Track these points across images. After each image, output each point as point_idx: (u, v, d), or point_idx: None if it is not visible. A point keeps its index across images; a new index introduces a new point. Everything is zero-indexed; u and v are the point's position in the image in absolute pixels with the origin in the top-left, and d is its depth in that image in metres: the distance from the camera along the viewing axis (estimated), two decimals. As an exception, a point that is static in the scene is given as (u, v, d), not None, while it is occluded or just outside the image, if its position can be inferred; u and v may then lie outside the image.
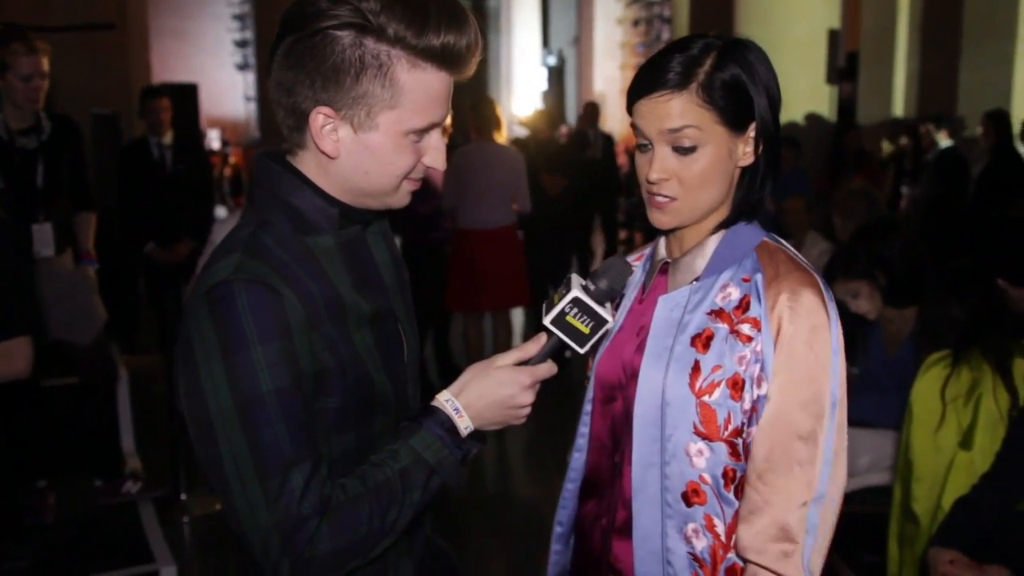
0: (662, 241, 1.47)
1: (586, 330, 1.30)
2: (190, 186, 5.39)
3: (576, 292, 1.29)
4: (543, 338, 1.33)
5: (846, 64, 10.67)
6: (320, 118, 1.19)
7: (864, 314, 3.17)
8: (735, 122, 1.32)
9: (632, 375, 1.40)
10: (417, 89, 1.18)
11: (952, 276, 2.81)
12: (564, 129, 14.34)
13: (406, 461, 1.23)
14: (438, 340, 6.00)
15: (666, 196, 1.35)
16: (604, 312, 1.30)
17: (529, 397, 1.31)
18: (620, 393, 1.43)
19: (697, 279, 1.38)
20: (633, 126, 1.37)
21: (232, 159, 15.25)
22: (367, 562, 1.22)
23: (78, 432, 3.98)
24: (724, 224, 1.38)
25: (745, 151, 1.35)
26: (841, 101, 10.41)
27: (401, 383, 1.34)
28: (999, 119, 6.81)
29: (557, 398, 5.92)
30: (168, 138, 5.38)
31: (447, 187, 5.37)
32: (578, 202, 6.76)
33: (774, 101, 1.35)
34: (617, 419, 1.44)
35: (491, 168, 5.32)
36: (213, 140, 16.14)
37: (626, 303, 1.49)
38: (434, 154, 1.26)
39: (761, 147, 1.35)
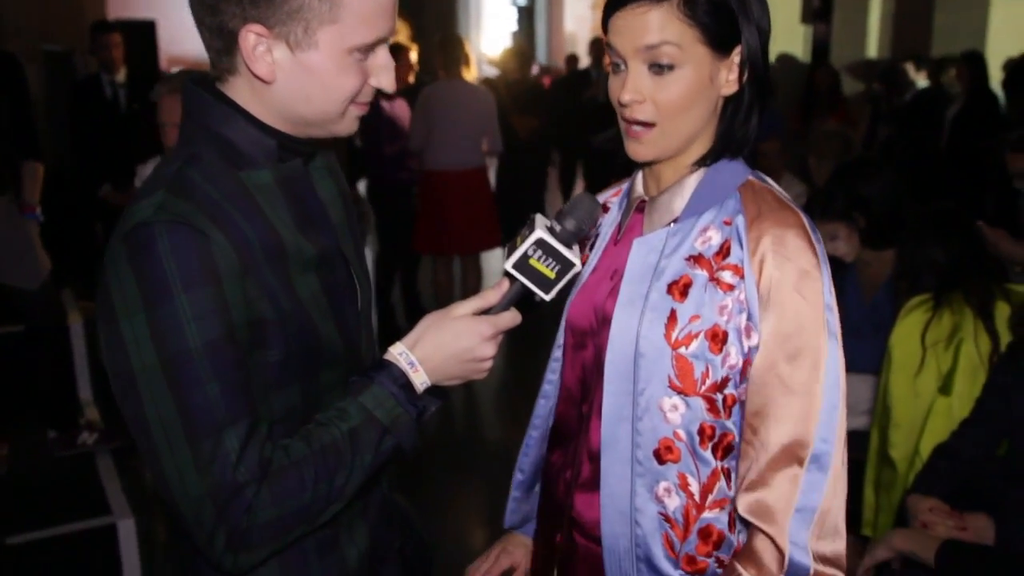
0: (639, 177, 1.36)
1: (552, 274, 1.19)
2: (146, 126, 5.18)
3: (540, 233, 1.18)
4: (505, 284, 1.22)
5: (820, 4, 10.49)
6: (251, 37, 1.06)
7: (842, 257, 3.10)
8: (719, 43, 1.20)
9: (604, 322, 1.29)
10: (359, 0, 1.06)
11: (933, 218, 2.75)
12: (537, 69, 14.07)
13: (356, 421, 1.12)
14: (406, 283, 5.89)
15: (642, 123, 1.23)
16: (571, 255, 1.19)
17: (490, 349, 1.20)
18: (591, 340, 1.33)
19: (675, 221, 1.27)
20: (607, 45, 1.24)
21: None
22: (314, 528, 1.13)
23: (29, 381, 3.83)
24: (705, 160, 1.27)
25: (729, 78, 1.23)
26: (815, 41, 10.25)
27: (352, 333, 1.23)
28: (973, 61, 6.72)
29: (532, 341, 5.86)
30: (122, 76, 5.16)
31: (414, 127, 5.22)
32: (567, 144, 6.57)
33: (764, 30, 1.24)
34: (587, 367, 1.34)
35: (459, 107, 5.17)
36: (174, 80, 15.69)
37: (600, 243, 1.39)
38: (382, 74, 1.14)
39: (747, 75, 1.23)
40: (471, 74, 5.37)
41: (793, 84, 8.48)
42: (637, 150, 1.26)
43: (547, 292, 1.21)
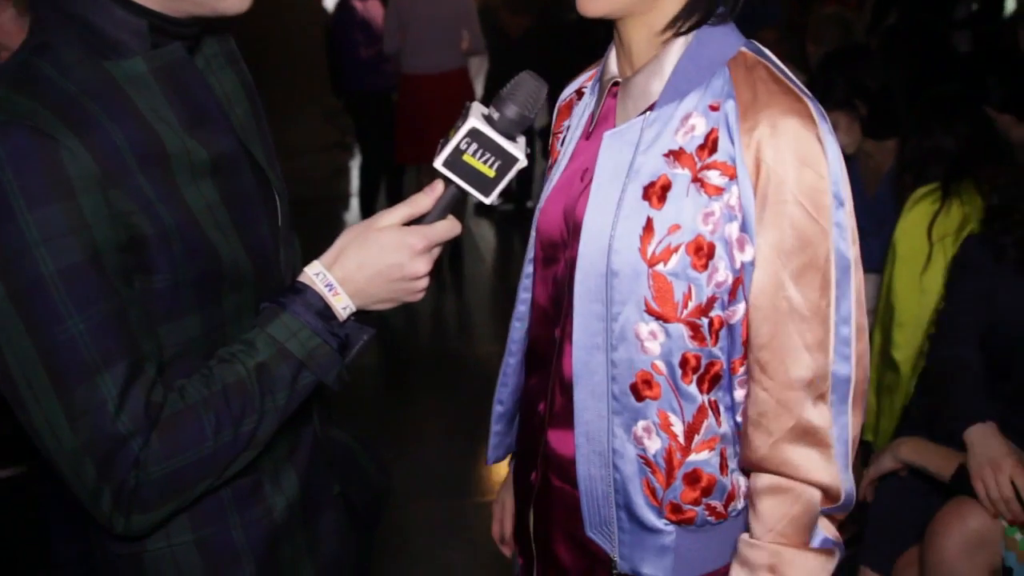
0: (612, 55, 1.15)
1: (491, 173, 1.01)
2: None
3: (474, 122, 0.99)
4: (438, 187, 1.04)
5: None
6: None
7: (842, 148, 2.91)
8: None
9: (575, 232, 1.11)
10: None
11: (938, 103, 2.57)
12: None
13: (264, 355, 0.96)
14: (391, 195, 5.70)
15: None
16: (512, 147, 1.01)
17: (423, 265, 1.03)
18: (562, 253, 1.16)
19: (652, 107, 1.07)
20: None
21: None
22: (224, 481, 0.98)
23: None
24: (677, 24, 1.05)
25: None
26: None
27: (265, 250, 1.05)
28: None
29: (517, 244, 5.68)
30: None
31: (388, 28, 4.99)
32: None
33: None
34: (559, 284, 1.16)
35: (434, 6, 4.89)
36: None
37: (572, 136, 1.20)
38: None
39: None
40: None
41: None
42: (584, 3, 1.05)
43: (487, 194, 1.03)
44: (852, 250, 1.03)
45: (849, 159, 2.94)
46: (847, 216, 1.02)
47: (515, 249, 5.83)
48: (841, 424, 1.04)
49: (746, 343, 1.06)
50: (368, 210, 5.60)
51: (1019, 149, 2.83)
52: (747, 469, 1.10)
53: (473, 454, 3.35)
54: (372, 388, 3.88)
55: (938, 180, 2.33)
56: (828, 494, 1.05)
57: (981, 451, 1.84)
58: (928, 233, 2.27)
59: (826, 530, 1.08)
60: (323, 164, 7.22)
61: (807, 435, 1.04)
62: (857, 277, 1.04)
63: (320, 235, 1.16)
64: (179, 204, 0.94)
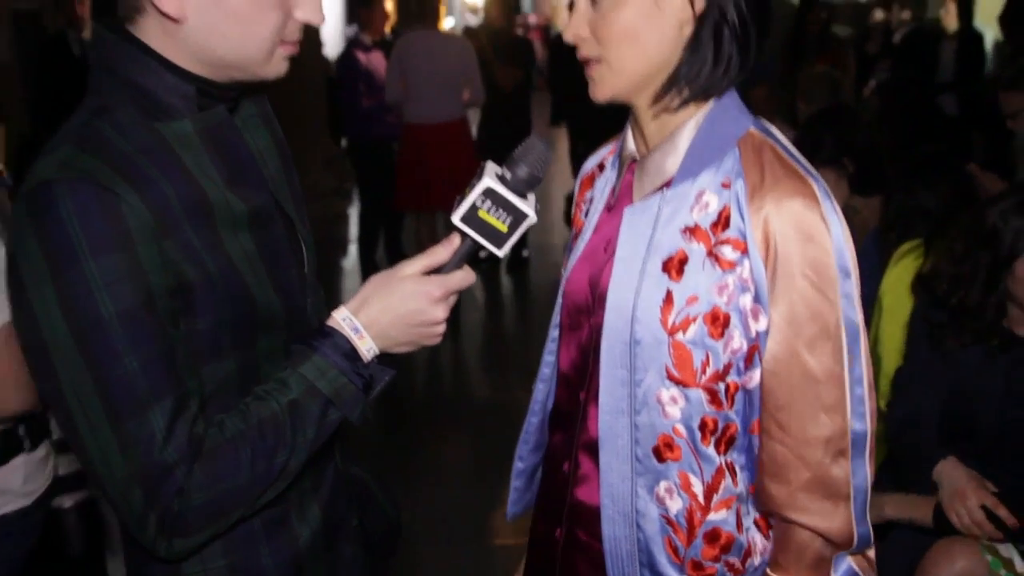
0: (628, 133, 1.24)
1: (503, 227, 1.09)
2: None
3: (489, 182, 1.08)
4: (455, 240, 1.12)
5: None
6: None
7: (830, 204, 3.02)
8: None
9: (600, 300, 1.19)
10: None
11: (921, 163, 2.68)
12: (523, 23, 13.73)
13: (296, 392, 1.03)
14: (390, 241, 5.80)
15: (590, 57, 1.13)
16: (524, 205, 1.09)
17: (442, 312, 1.11)
18: (587, 320, 1.23)
19: (668, 184, 1.15)
20: None
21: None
22: (256, 510, 1.05)
23: None
24: (661, 99, 1.13)
25: (683, 3, 1.09)
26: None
27: (295, 296, 1.13)
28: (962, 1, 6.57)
29: (516, 302, 5.76)
30: (89, 32, 4.99)
31: (390, 78, 5.10)
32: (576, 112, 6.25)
33: None
34: (583, 349, 1.24)
35: (436, 58, 5.03)
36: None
37: (596, 208, 1.27)
38: (307, 7, 1.04)
39: (701, 6, 1.09)
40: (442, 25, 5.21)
41: (782, 24, 8.31)
42: (593, 90, 1.15)
43: (499, 247, 1.11)
44: (859, 317, 1.10)
45: (837, 214, 3.05)
46: (854, 286, 1.09)
47: (509, 296, 5.92)
48: (860, 476, 1.12)
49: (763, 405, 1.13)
50: (367, 256, 5.67)
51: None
52: (768, 516, 1.17)
53: (477, 498, 3.38)
54: (373, 431, 3.93)
55: (921, 237, 2.43)
56: (841, 541, 1.13)
57: (948, 485, 1.96)
58: (912, 287, 2.36)
59: (853, 562, 1.16)
60: (322, 210, 7.32)
61: (824, 487, 1.11)
62: (864, 341, 1.11)
63: (320, 280, 1.24)
64: (221, 253, 1.02)
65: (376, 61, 5.33)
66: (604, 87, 1.14)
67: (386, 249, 5.82)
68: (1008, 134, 3.70)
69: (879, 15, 7.72)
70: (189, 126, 1.03)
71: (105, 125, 0.98)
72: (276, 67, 1.05)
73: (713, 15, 1.09)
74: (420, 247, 5.47)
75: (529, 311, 5.65)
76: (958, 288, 2.01)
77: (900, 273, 2.40)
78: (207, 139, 1.04)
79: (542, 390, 1.36)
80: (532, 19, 20.02)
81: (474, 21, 11.10)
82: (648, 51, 1.11)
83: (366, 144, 5.48)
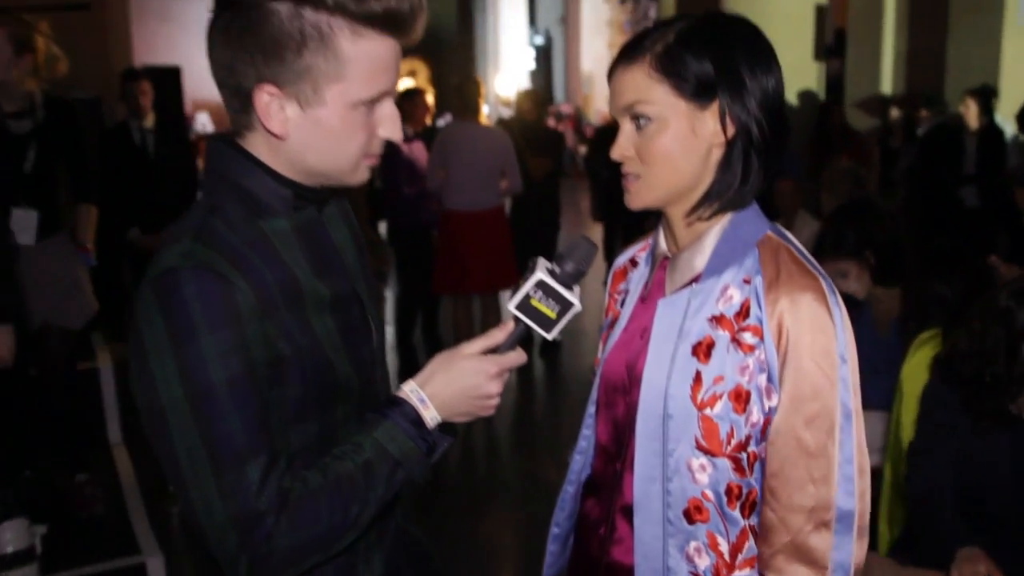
0: (660, 234, 1.40)
1: (552, 315, 1.25)
2: (173, 171, 5.32)
3: (541, 275, 1.25)
4: (510, 325, 1.28)
5: (834, 41, 10.61)
6: (265, 96, 1.14)
7: (853, 294, 3.15)
8: (696, 95, 1.23)
9: (635, 380, 1.34)
10: (362, 58, 1.14)
11: (937, 255, 2.81)
12: (553, 118, 14.14)
13: (369, 454, 1.19)
14: (427, 324, 5.97)
15: (631, 174, 1.30)
16: (570, 295, 1.25)
17: (496, 386, 1.26)
18: (623, 398, 1.38)
19: (696, 279, 1.31)
20: (609, 106, 1.32)
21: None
22: (331, 557, 1.19)
23: (59, 423, 3.91)
24: (697, 212, 1.29)
25: (716, 128, 1.25)
26: (829, 78, 10.35)
27: (366, 370, 1.30)
28: (983, 96, 6.76)
29: (550, 383, 5.88)
30: (150, 122, 5.29)
31: (432, 168, 5.33)
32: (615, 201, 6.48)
33: (754, 83, 1.23)
34: (619, 423, 1.39)
35: (476, 148, 5.28)
36: (205, 124, 15.93)
37: (631, 300, 1.43)
38: (388, 125, 1.21)
39: (735, 124, 1.24)
40: (484, 118, 5.47)
41: (808, 120, 8.56)
42: (629, 200, 1.32)
43: (548, 331, 1.27)
44: (853, 400, 1.24)
45: (860, 303, 3.18)
46: (850, 372, 1.24)
47: (541, 378, 6.04)
48: (844, 552, 1.23)
49: None
50: (404, 337, 5.84)
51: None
52: None
53: (511, 570, 3.46)
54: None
55: (939, 326, 2.56)
56: None
57: (960, 555, 2.04)
58: (928, 366, 2.47)
59: None
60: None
61: (801, 553, 1.23)
62: (858, 424, 1.25)
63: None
64: (309, 332, 1.19)
65: (417, 151, 5.59)
66: (639, 199, 1.31)
67: (423, 331, 5.99)
68: (1026, 228, 3.83)
69: (896, 112, 7.93)
70: (286, 223, 1.21)
71: (218, 221, 1.17)
72: (360, 175, 1.24)
73: (742, 139, 1.25)
74: (456, 329, 5.64)
75: (561, 393, 5.77)
76: (974, 365, 2.13)
77: (920, 361, 2.51)
78: (300, 234, 1.22)
79: (579, 461, 1.50)
80: (565, 108, 20.59)
81: (507, 113, 11.47)
82: (681, 171, 1.27)
83: (406, 230, 5.70)
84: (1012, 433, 2.13)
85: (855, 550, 1.23)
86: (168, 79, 9.63)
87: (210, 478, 1.10)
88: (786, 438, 1.23)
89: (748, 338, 1.24)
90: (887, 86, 10.28)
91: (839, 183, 4.54)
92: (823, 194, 4.66)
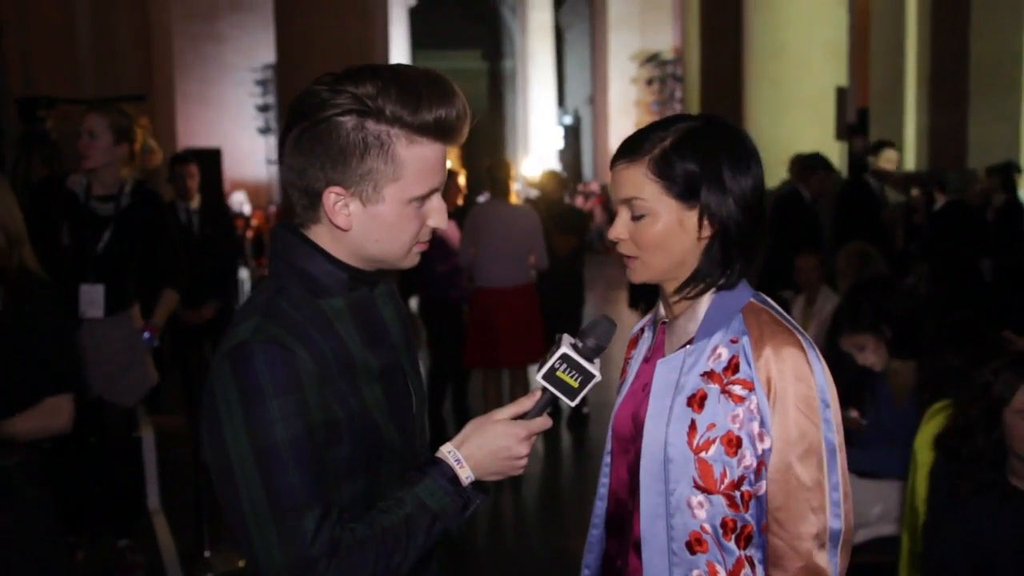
0: (660, 304, 1.58)
1: (575, 384, 1.39)
2: (217, 249, 5.55)
3: (565, 349, 1.39)
4: (537, 394, 1.42)
5: (856, 120, 10.82)
6: (332, 196, 1.31)
7: (870, 367, 3.25)
8: (684, 196, 1.42)
9: (640, 430, 1.49)
10: (416, 161, 1.30)
11: (951, 328, 2.91)
12: (584, 187, 14.40)
13: (411, 508, 1.32)
14: (457, 397, 6.08)
15: (627, 254, 1.48)
16: (591, 367, 1.40)
17: (525, 448, 1.39)
18: (631, 446, 1.53)
19: (690, 341, 1.48)
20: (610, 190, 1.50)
21: (254, 221, 15.51)
22: None
23: (103, 491, 4.05)
24: (686, 291, 1.47)
25: (703, 224, 1.43)
26: (852, 156, 10.54)
27: (408, 433, 1.44)
28: (1003, 172, 6.89)
29: (575, 453, 5.95)
30: (196, 203, 5.55)
31: (463, 246, 5.51)
32: None
33: (735, 189, 1.41)
34: (631, 469, 1.53)
35: (507, 227, 5.46)
36: (243, 204, 16.37)
37: (637, 360, 1.60)
38: (436, 216, 1.37)
39: (716, 224, 1.42)
40: (515, 197, 5.66)
41: (831, 199, 8.70)
42: (629, 274, 1.51)
43: (572, 399, 1.41)
44: (837, 438, 1.41)
45: (880, 375, 3.27)
46: (833, 414, 1.41)
47: (568, 449, 6.11)
48: (833, 564, 1.41)
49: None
50: (435, 410, 5.94)
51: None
52: None
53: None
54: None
55: (951, 396, 2.64)
56: None
57: None
58: (932, 444, 2.56)
59: None
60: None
61: (812, 574, 1.39)
62: (841, 457, 1.42)
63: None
64: (360, 399, 1.34)
65: (450, 230, 5.77)
66: (638, 275, 1.50)
67: (452, 403, 6.10)
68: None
69: (916, 191, 8.06)
70: (341, 303, 1.37)
71: (283, 301, 1.33)
72: (411, 260, 1.40)
73: (722, 234, 1.44)
74: (486, 402, 5.74)
75: (587, 464, 5.83)
76: (962, 440, 2.24)
77: (932, 430, 2.59)
78: (353, 312, 1.38)
79: (600, 506, 1.64)
80: (594, 187, 20.93)
81: (533, 194, 11.76)
82: (671, 256, 1.45)
83: (438, 305, 5.86)
84: (1014, 508, 2.21)
85: (840, 562, 1.41)
86: (209, 160, 10.02)
87: (271, 526, 1.23)
88: (785, 475, 1.39)
89: (738, 390, 1.41)
90: (910, 163, 10.44)
91: (847, 263, 4.70)
92: (837, 275, 4.80)
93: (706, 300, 1.49)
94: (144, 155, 3.83)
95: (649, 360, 1.57)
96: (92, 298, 3.72)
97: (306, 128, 1.29)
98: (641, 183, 1.43)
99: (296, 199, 1.36)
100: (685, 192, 1.42)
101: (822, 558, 1.39)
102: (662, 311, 1.57)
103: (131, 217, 3.80)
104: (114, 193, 3.76)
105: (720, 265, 1.46)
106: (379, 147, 1.28)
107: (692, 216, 1.43)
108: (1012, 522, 2.20)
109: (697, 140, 1.43)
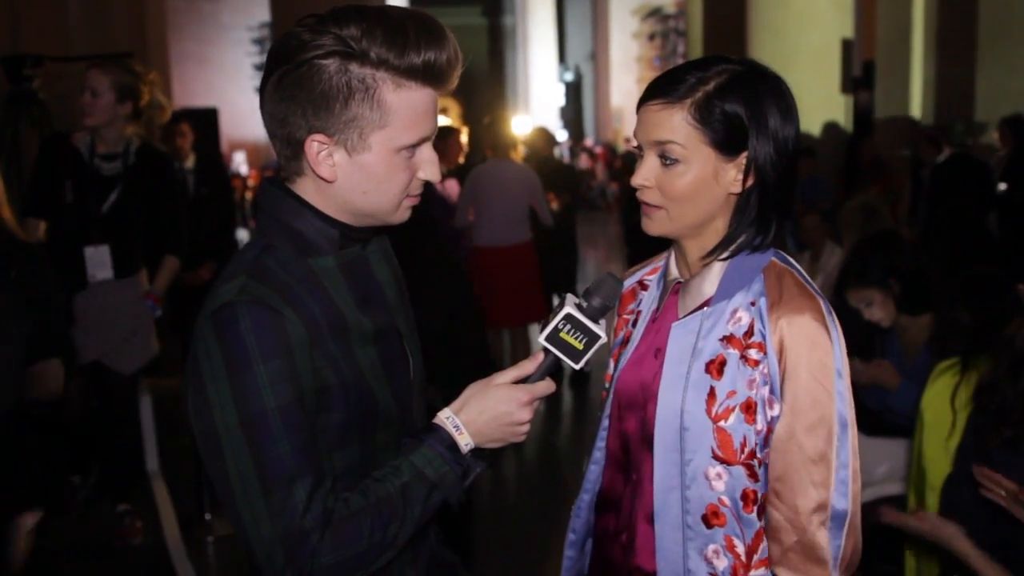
0: (672, 259, 1.48)
1: (580, 346, 1.31)
2: (213, 209, 5.47)
3: (569, 309, 1.31)
4: (540, 356, 1.35)
5: (862, 73, 10.65)
6: (315, 145, 1.23)
7: (878, 322, 3.18)
8: (725, 147, 1.32)
9: (650, 396, 1.41)
10: (404, 107, 1.22)
11: (962, 284, 2.84)
12: (583, 145, 14.33)
13: (407, 476, 1.25)
14: (457, 357, 6.04)
15: (651, 203, 1.37)
16: (597, 328, 1.32)
17: (527, 414, 1.32)
18: (636, 412, 1.45)
19: (707, 303, 1.39)
20: (635, 132, 1.39)
21: (251, 181, 15.37)
22: (370, 573, 1.25)
23: (104, 456, 4.03)
24: (715, 253, 1.38)
25: (736, 178, 1.34)
26: (857, 110, 10.39)
27: (405, 398, 1.37)
28: (1016, 124, 6.78)
29: (576, 413, 5.94)
30: (190, 162, 5.47)
31: (462, 205, 5.44)
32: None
33: (783, 138, 1.34)
34: (632, 437, 1.46)
35: (506, 186, 5.39)
36: (240, 164, 16.24)
37: (642, 320, 1.51)
38: (428, 167, 1.30)
39: (752, 180, 1.34)
40: (518, 155, 5.58)
41: (836, 152, 8.60)
42: (647, 224, 1.40)
43: (576, 362, 1.33)
44: (849, 413, 1.33)
45: (889, 331, 3.21)
46: (846, 386, 1.33)
47: (569, 406, 6.08)
48: (835, 546, 1.32)
49: None
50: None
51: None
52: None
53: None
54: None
55: (960, 353, 2.58)
56: None
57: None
58: (951, 402, 2.49)
59: None
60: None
61: (808, 550, 1.32)
62: (852, 433, 1.33)
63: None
64: (353, 362, 1.27)
65: (451, 188, 5.71)
66: (659, 226, 1.39)
67: (454, 364, 6.06)
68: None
69: (926, 144, 7.94)
70: (332, 261, 1.29)
71: (270, 260, 1.26)
72: (402, 215, 1.32)
73: (760, 187, 1.35)
74: (487, 362, 5.72)
75: (588, 425, 5.80)
76: (990, 395, 2.18)
77: (939, 389, 2.54)
78: (345, 271, 1.31)
79: (594, 471, 1.56)
80: (588, 143, 20.68)
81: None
82: (700, 209, 1.36)
83: (438, 264, 5.80)
84: None
85: (843, 544, 1.32)
86: (206, 120, 9.90)
87: (260, 497, 1.17)
88: (788, 445, 1.32)
89: (754, 354, 1.33)
90: (917, 117, 10.29)
91: (851, 218, 4.62)
92: (842, 230, 4.72)
93: (723, 261, 1.39)
94: (153, 110, 3.73)
95: (657, 322, 1.47)
96: (99, 259, 3.63)
97: (286, 72, 1.21)
98: (677, 127, 1.33)
99: (278, 150, 1.28)
100: (726, 141, 1.32)
101: (822, 536, 1.32)
102: (674, 270, 1.47)
103: (138, 177, 3.70)
104: (119, 151, 3.67)
105: (755, 223, 1.37)
106: (364, 91, 1.20)
107: (728, 167, 1.34)
108: None
109: (742, 85, 1.33)
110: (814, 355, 1.31)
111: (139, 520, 3.85)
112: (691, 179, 1.34)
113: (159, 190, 3.80)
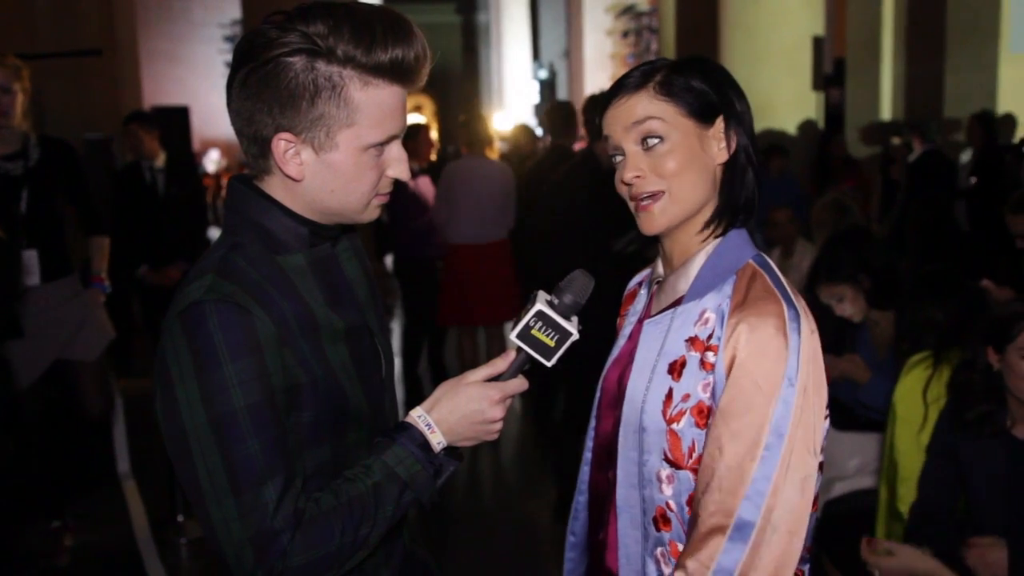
0: (659, 259, 1.47)
1: (551, 343, 1.30)
2: (183, 208, 5.41)
3: (540, 306, 1.30)
4: (512, 354, 1.34)
5: (833, 70, 10.74)
6: (282, 143, 1.22)
7: (849, 317, 3.21)
8: (700, 114, 1.32)
9: (624, 395, 1.40)
10: (371, 105, 1.21)
11: (930, 279, 2.87)
12: (541, 143, 14.33)
13: (379, 476, 1.24)
14: (432, 355, 6.02)
15: (648, 194, 1.32)
16: (568, 325, 1.30)
17: (499, 412, 1.31)
18: (613, 412, 1.44)
19: (679, 302, 1.37)
20: (606, 139, 1.37)
21: (224, 180, 15.27)
22: (342, 573, 1.24)
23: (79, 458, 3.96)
24: (711, 224, 1.35)
25: (720, 146, 1.33)
26: (829, 107, 10.47)
27: (376, 397, 1.36)
28: (986, 120, 6.86)
29: (554, 413, 5.94)
30: (160, 161, 5.40)
31: (437, 202, 5.41)
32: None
33: (742, 98, 1.35)
34: (608, 435, 1.45)
35: (481, 183, 5.36)
36: (216, 161, 16.10)
37: (630, 321, 1.49)
38: (396, 165, 1.28)
39: (736, 140, 1.33)
40: (493, 152, 5.55)
41: (808, 150, 8.66)
42: (650, 222, 1.34)
43: (548, 359, 1.32)
44: (791, 423, 1.23)
45: (860, 326, 3.24)
46: (796, 397, 1.23)
47: (545, 415, 6.08)
48: (732, 558, 1.22)
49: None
50: (410, 369, 5.89)
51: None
52: None
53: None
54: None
55: (931, 348, 2.61)
56: None
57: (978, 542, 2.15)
58: (923, 396, 2.52)
59: None
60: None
61: (692, 548, 1.24)
62: (786, 449, 1.23)
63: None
64: (324, 361, 1.26)
65: (423, 186, 5.68)
66: (663, 217, 1.34)
67: (429, 362, 6.04)
68: (1021, 252, 3.88)
69: (896, 140, 8.02)
70: (302, 259, 1.28)
71: (239, 258, 1.24)
72: (371, 214, 1.31)
73: (740, 157, 1.35)
74: (462, 360, 5.69)
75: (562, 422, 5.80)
76: (967, 377, 2.23)
77: (911, 383, 2.57)
78: (315, 269, 1.29)
79: (585, 471, 1.55)
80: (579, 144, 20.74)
81: (504, 148, 11.69)
82: (698, 186, 1.33)
83: (412, 263, 5.77)
84: (1007, 450, 2.18)
85: (744, 558, 1.23)
86: (176, 118, 9.81)
87: (229, 498, 1.15)
88: (712, 446, 1.26)
89: (710, 357, 1.29)
90: (887, 114, 10.39)
91: (822, 215, 4.66)
92: (813, 227, 4.76)
93: (701, 257, 1.36)
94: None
95: (640, 321, 1.46)
96: (29, 265, 3.56)
97: (252, 69, 1.19)
98: (653, 105, 1.32)
99: (246, 148, 1.26)
100: (702, 108, 1.32)
101: (715, 543, 1.23)
102: (659, 268, 1.46)
103: (45, 172, 3.61)
104: (19, 149, 3.57)
105: (742, 185, 1.35)
106: (331, 89, 1.19)
107: (709, 138, 1.33)
108: (1004, 465, 2.18)
109: (691, 64, 1.35)
110: (762, 362, 1.24)
111: (70, 538, 3.74)
112: (680, 152, 1.31)
113: (70, 178, 3.74)
